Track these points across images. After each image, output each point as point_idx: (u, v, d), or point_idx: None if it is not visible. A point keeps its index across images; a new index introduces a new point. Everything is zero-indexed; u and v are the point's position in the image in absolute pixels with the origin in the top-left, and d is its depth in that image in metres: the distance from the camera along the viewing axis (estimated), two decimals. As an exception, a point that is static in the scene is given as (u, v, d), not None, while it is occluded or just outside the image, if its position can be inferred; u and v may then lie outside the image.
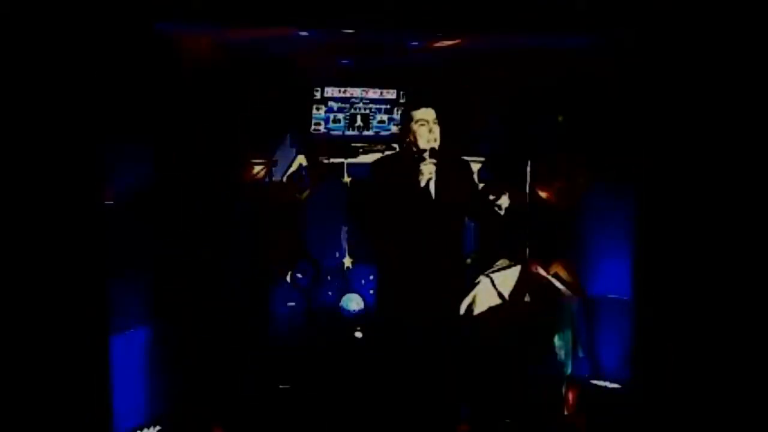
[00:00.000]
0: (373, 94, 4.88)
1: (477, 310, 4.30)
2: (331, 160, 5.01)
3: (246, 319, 4.41)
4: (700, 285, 3.26)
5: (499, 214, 3.62)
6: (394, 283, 3.69)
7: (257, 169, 4.79)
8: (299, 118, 4.82)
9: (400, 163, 3.67)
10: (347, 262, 5.02)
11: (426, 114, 3.61)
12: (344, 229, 5.03)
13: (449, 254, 3.66)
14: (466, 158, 3.86)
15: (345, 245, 5.03)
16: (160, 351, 3.85)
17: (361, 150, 4.99)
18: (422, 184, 3.54)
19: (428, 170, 3.54)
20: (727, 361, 3.23)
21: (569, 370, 4.22)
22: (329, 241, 5.05)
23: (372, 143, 4.97)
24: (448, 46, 4.36)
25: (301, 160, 5.07)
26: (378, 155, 4.68)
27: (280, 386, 4.27)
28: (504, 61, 4.53)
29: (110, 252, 3.20)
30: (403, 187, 3.57)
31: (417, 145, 3.59)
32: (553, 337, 4.23)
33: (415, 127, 3.60)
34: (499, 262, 4.49)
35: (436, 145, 3.57)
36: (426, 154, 3.55)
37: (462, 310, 4.20)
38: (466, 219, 3.81)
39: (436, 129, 3.59)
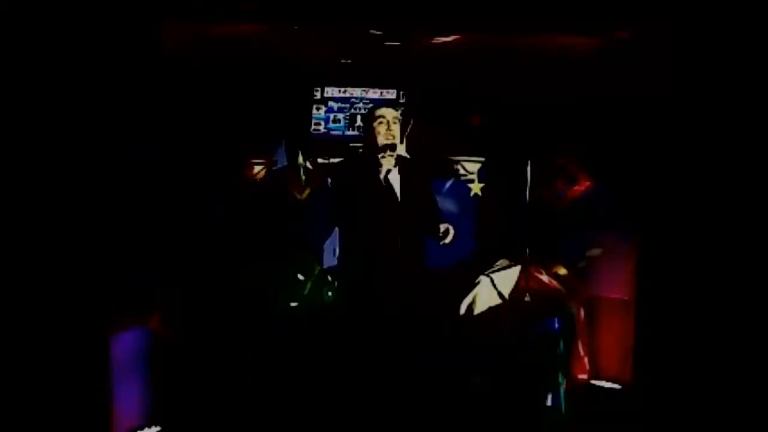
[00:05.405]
0: (373, 94, 4.88)
1: (477, 310, 4.30)
2: (331, 160, 5.01)
3: (246, 319, 4.40)
4: (700, 285, 3.27)
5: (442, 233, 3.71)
6: (357, 276, 3.77)
7: (257, 169, 4.79)
8: (299, 118, 4.82)
9: (363, 161, 3.82)
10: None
11: (385, 112, 3.76)
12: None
13: (411, 250, 3.73)
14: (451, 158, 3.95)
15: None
16: (159, 351, 3.85)
17: (360, 150, 4.99)
18: (381, 176, 3.66)
19: (387, 163, 3.69)
20: (727, 361, 3.23)
21: (568, 371, 4.22)
22: (328, 240, 5.04)
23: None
24: (449, 45, 4.36)
25: (301, 160, 5.06)
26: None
27: (280, 386, 4.26)
28: (505, 60, 4.53)
29: (110, 251, 3.21)
30: (365, 182, 3.70)
31: (376, 143, 3.73)
32: (552, 337, 4.23)
33: (374, 124, 3.73)
34: (499, 262, 4.49)
35: (395, 141, 3.72)
36: (385, 150, 3.69)
37: (462, 310, 4.21)
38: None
39: (395, 127, 3.74)
